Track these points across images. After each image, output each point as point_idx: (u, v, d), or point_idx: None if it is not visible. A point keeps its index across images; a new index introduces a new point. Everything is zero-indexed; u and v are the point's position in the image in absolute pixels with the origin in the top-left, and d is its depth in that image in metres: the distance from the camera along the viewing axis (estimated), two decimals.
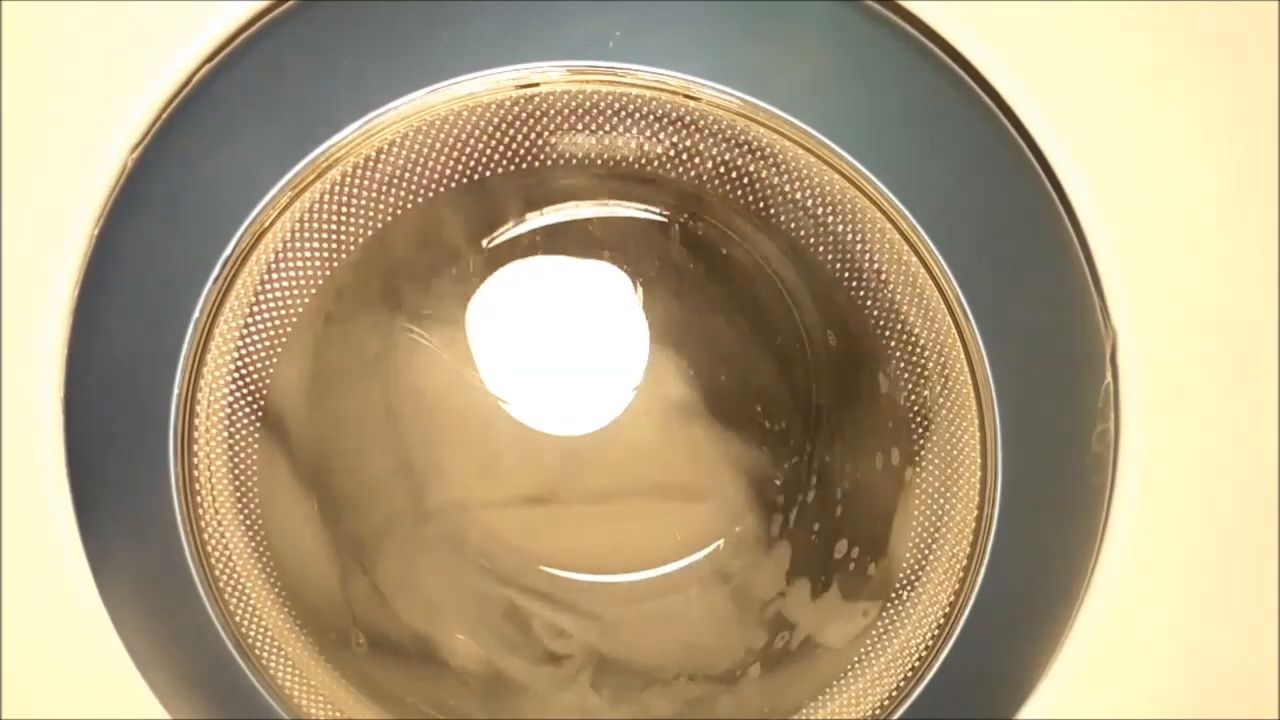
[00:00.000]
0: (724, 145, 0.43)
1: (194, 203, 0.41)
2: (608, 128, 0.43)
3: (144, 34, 0.40)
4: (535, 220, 0.59)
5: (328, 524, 0.55)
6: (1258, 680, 0.46)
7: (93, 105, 0.40)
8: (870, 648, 0.48)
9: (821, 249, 0.46)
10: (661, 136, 0.44)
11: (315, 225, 0.44)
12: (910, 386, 0.47)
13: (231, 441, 0.46)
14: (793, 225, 0.46)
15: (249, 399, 0.46)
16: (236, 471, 0.46)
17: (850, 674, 0.49)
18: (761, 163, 0.43)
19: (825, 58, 0.40)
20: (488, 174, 0.45)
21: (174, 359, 0.42)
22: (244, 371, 0.45)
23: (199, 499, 0.45)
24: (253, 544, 0.47)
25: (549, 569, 0.65)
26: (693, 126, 0.43)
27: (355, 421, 0.60)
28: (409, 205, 0.46)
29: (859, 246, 0.45)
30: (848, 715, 0.48)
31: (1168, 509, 0.44)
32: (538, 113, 0.43)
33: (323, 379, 0.55)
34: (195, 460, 0.45)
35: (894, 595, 0.48)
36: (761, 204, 0.45)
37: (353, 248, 0.46)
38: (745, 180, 0.45)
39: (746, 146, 0.43)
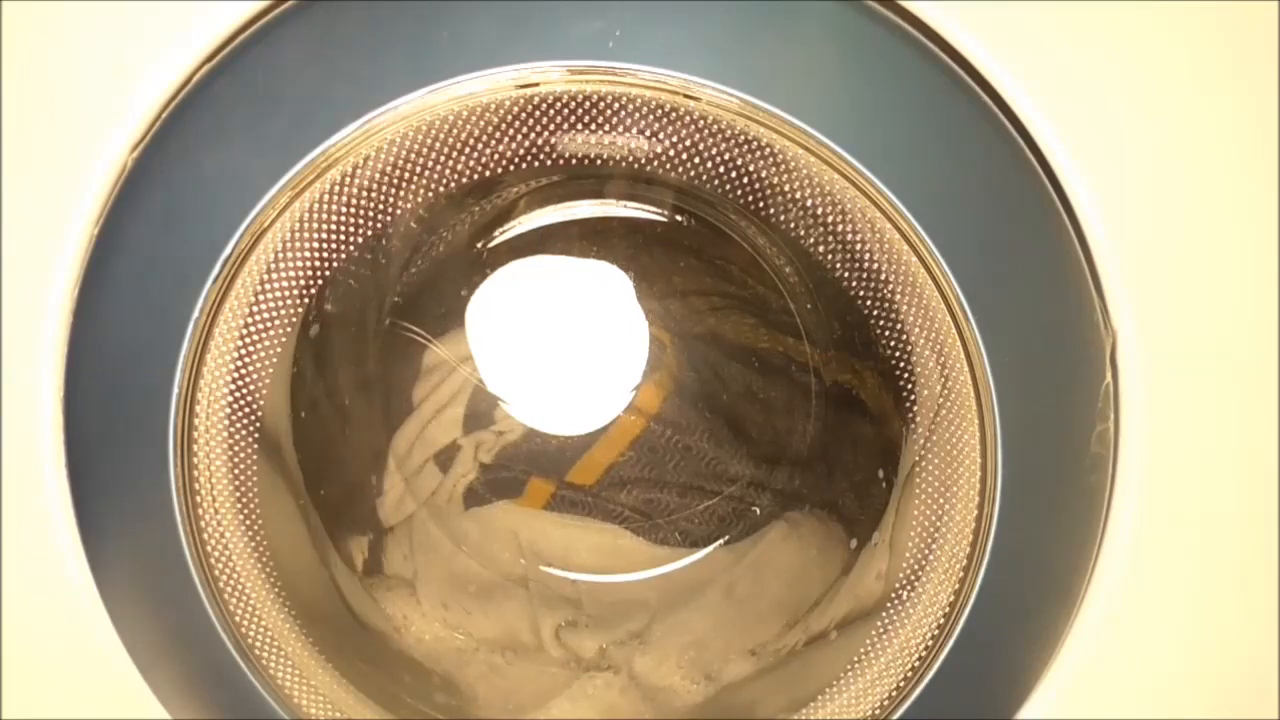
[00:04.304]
0: (724, 144, 0.43)
1: (194, 202, 0.41)
2: (608, 128, 0.43)
3: (144, 34, 0.40)
4: (535, 220, 0.59)
5: (327, 524, 0.55)
6: (1258, 680, 0.46)
7: (93, 105, 0.40)
8: (870, 648, 0.48)
9: (821, 248, 0.46)
10: (661, 136, 0.44)
11: (315, 225, 0.44)
12: (910, 386, 0.47)
13: (231, 442, 0.46)
14: (793, 224, 0.46)
15: (248, 399, 0.46)
16: (236, 472, 0.46)
17: (850, 674, 0.49)
18: (761, 162, 0.43)
19: (825, 58, 0.40)
20: (487, 174, 0.45)
21: (174, 359, 0.42)
22: (243, 372, 0.45)
23: (199, 499, 0.45)
24: (252, 544, 0.47)
25: (549, 569, 0.65)
26: (693, 126, 0.43)
27: (355, 420, 0.60)
28: (408, 205, 0.46)
29: (859, 246, 0.45)
30: (848, 715, 0.48)
31: (1167, 509, 0.44)
32: (538, 113, 0.43)
33: (321, 378, 0.55)
34: (195, 460, 0.45)
35: (894, 595, 0.48)
36: (761, 203, 0.45)
37: (352, 248, 0.46)
38: (745, 179, 0.45)
39: (746, 146, 0.43)
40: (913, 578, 0.48)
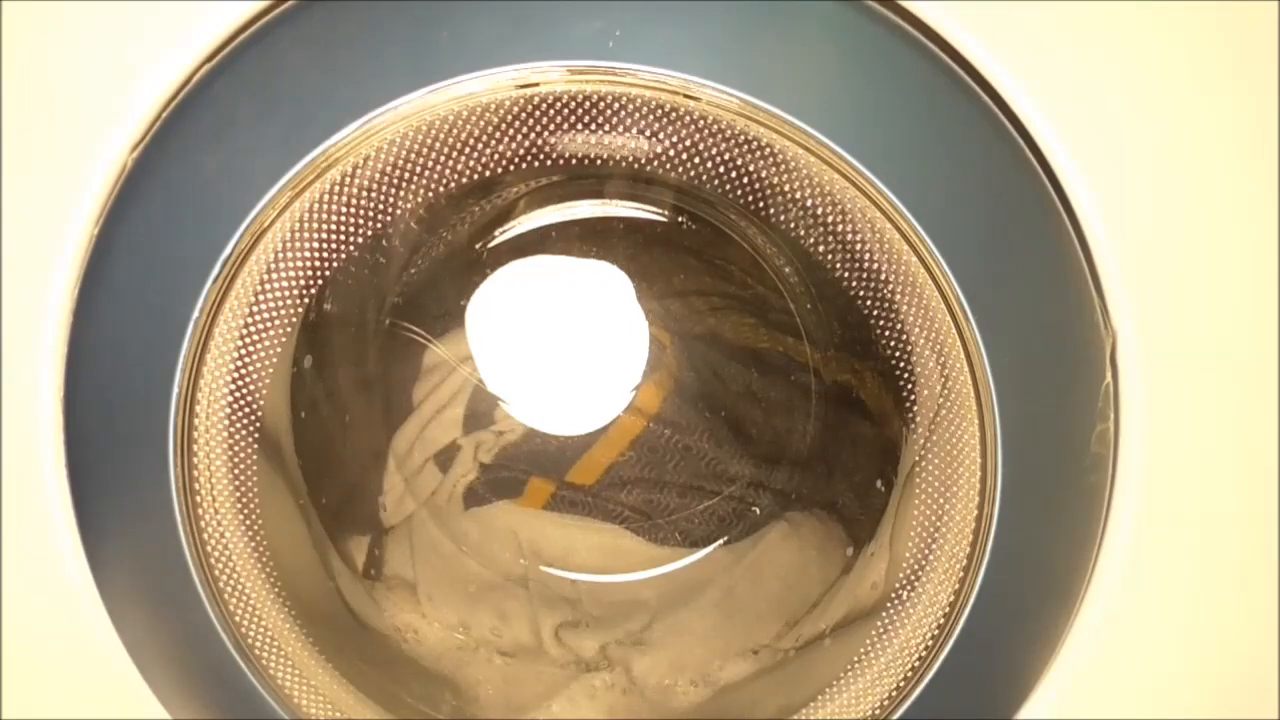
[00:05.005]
0: (724, 144, 0.43)
1: (194, 202, 0.41)
2: (608, 128, 0.43)
3: (144, 34, 0.40)
4: (535, 220, 0.59)
5: (327, 524, 0.55)
6: (1258, 680, 0.46)
7: (93, 105, 0.40)
8: (870, 648, 0.48)
9: (821, 248, 0.46)
10: (661, 136, 0.44)
11: (315, 225, 0.44)
12: (910, 386, 0.47)
13: (231, 442, 0.46)
14: (793, 224, 0.46)
15: (248, 399, 0.46)
16: (236, 472, 0.46)
17: (850, 674, 0.49)
18: (761, 162, 0.43)
19: (825, 57, 0.40)
20: (487, 174, 0.45)
21: (174, 359, 0.42)
22: (243, 372, 0.45)
23: (199, 499, 0.45)
24: (252, 544, 0.47)
25: (549, 569, 0.65)
26: (693, 126, 0.43)
27: (355, 421, 0.60)
28: (408, 205, 0.46)
29: (859, 246, 0.45)
30: (848, 715, 0.48)
31: (1167, 509, 0.44)
32: (538, 113, 0.43)
33: (321, 378, 0.55)
34: (195, 460, 0.45)
35: (894, 595, 0.48)
36: (761, 203, 0.45)
37: (352, 248, 0.46)
38: (745, 179, 0.45)
39: (746, 146, 0.43)
40: (912, 578, 0.48)
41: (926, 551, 0.47)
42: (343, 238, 0.45)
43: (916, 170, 0.40)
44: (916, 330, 0.45)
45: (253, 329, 0.45)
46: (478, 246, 0.59)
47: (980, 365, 0.42)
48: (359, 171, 0.43)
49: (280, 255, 0.44)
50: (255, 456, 0.47)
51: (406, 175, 0.44)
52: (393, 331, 0.60)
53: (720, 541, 0.64)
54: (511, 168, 0.45)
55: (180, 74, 0.40)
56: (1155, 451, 0.43)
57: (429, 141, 0.43)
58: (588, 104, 0.42)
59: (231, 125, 0.40)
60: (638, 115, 0.43)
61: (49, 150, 0.41)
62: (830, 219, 0.44)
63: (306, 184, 0.41)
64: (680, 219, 0.59)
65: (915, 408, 0.47)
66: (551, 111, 0.43)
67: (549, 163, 0.45)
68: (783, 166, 0.43)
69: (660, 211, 0.59)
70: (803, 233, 0.46)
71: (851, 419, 0.61)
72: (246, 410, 0.46)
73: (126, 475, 0.44)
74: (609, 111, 0.43)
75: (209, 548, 0.46)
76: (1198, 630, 0.46)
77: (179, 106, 0.40)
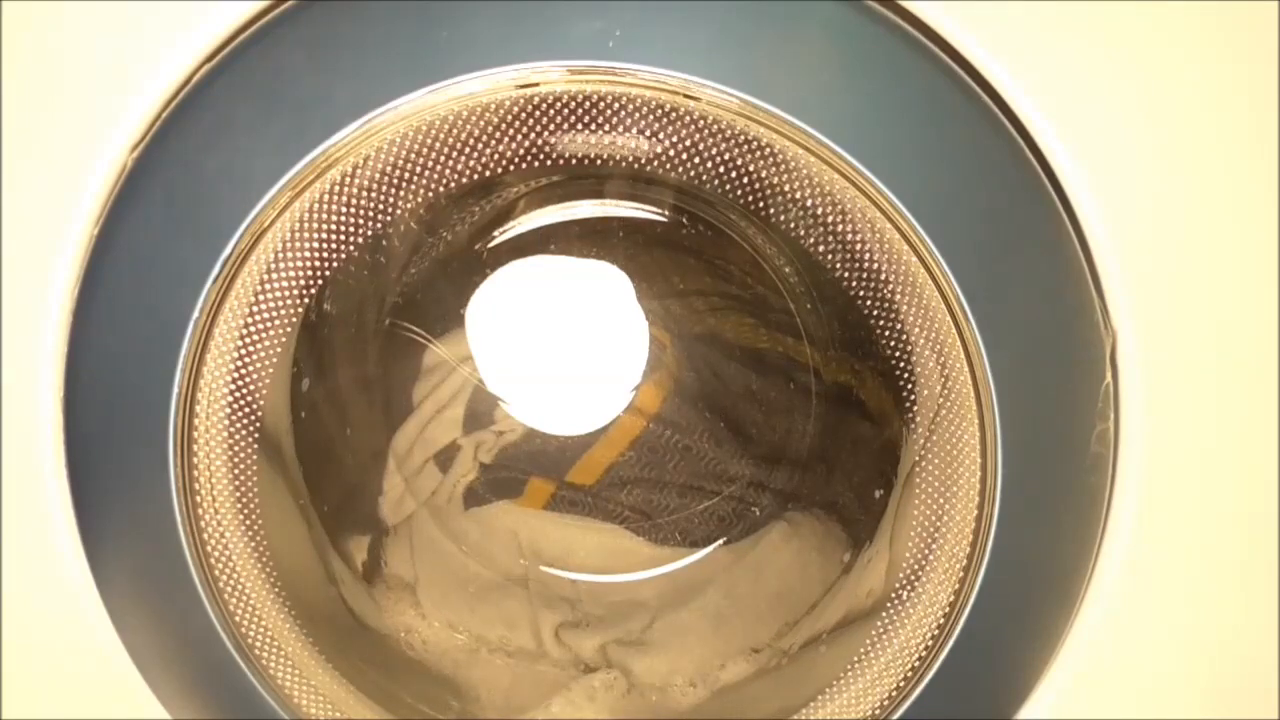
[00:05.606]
0: (724, 144, 0.43)
1: (194, 202, 0.41)
2: (608, 128, 0.43)
3: (144, 34, 0.40)
4: (535, 220, 0.59)
5: (327, 524, 0.55)
6: (1258, 680, 0.46)
7: (93, 105, 0.40)
8: (870, 648, 0.48)
9: (821, 248, 0.46)
10: (661, 136, 0.44)
11: (315, 225, 0.44)
12: (910, 386, 0.47)
13: (231, 442, 0.46)
14: (793, 224, 0.46)
15: (248, 399, 0.46)
16: (236, 472, 0.46)
17: (850, 674, 0.49)
18: (761, 162, 0.43)
19: (825, 58, 0.40)
20: (487, 174, 0.45)
21: (174, 359, 0.42)
22: (243, 372, 0.45)
23: (199, 499, 0.45)
24: (252, 544, 0.47)
25: (549, 569, 0.65)
26: (693, 126, 0.43)
27: (355, 421, 0.60)
28: (408, 205, 0.46)
29: (859, 246, 0.45)
30: (848, 715, 0.48)
31: (1167, 509, 0.44)
32: (538, 113, 0.43)
33: (321, 379, 0.55)
34: (195, 461, 0.45)
35: (894, 595, 0.48)
36: (761, 203, 0.45)
37: (352, 248, 0.46)
38: (745, 179, 0.45)
39: (746, 146, 0.43)
40: (913, 578, 0.48)
41: (926, 552, 0.47)
42: (343, 238, 0.45)
43: (916, 170, 0.40)
44: (916, 330, 0.45)
45: (253, 329, 0.45)
46: (478, 247, 0.59)
47: (980, 365, 0.42)
48: (359, 171, 0.43)
49: (280, 255, 0.44)
50: (255, 457, 0.47)
51: (406, 175, 0.44)
52: (393, 331, 0.60)
53: (720, 541, 0.64)
54: (511, 168, 0.45)
55: (180, 74, 0.40)
56: (1155, 451, 0.43)
57: (429, 141, 0.43)
58: (588, 104, 0.42)
59: (231, 125, 0.40)
60: (638, 115, 0.43)
61: (49, 150, 0.41)
62: (830, 219, 0.44)
63: (306, 184, 0.41)
64: (680, 219, 0.59)
65: (915, 408, 0.47)
66: (551, 111, 0.43)
67: (549, 163, 0.45)
68: (783, 166, 0.43)
69: (660, 211, 0.59)
70: (803, 233, 0.46)
71: (851, 419, 0.61)
72: (246, 410, 0.46)
73: (126, 475, 0.44)
74: (609, 111, 0.43)
75: (209, 548, 0.46)
76: (1198, 630, 0.46)
77: (179, 106, 0.40)
